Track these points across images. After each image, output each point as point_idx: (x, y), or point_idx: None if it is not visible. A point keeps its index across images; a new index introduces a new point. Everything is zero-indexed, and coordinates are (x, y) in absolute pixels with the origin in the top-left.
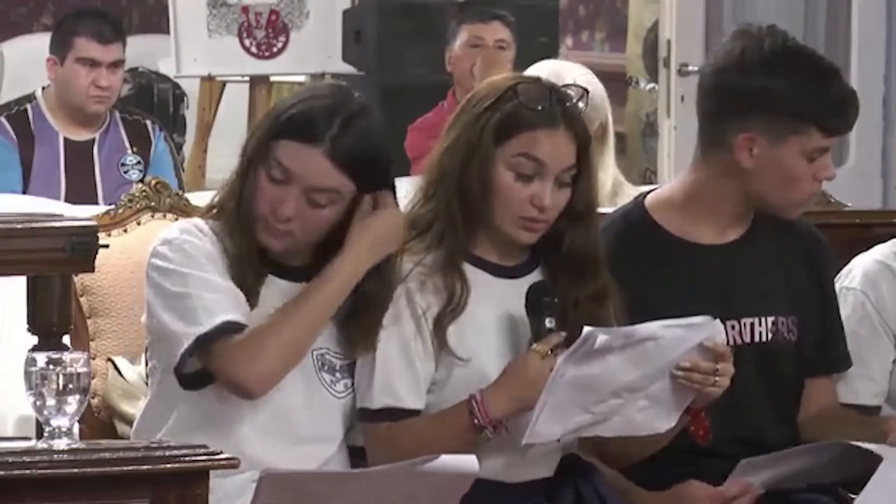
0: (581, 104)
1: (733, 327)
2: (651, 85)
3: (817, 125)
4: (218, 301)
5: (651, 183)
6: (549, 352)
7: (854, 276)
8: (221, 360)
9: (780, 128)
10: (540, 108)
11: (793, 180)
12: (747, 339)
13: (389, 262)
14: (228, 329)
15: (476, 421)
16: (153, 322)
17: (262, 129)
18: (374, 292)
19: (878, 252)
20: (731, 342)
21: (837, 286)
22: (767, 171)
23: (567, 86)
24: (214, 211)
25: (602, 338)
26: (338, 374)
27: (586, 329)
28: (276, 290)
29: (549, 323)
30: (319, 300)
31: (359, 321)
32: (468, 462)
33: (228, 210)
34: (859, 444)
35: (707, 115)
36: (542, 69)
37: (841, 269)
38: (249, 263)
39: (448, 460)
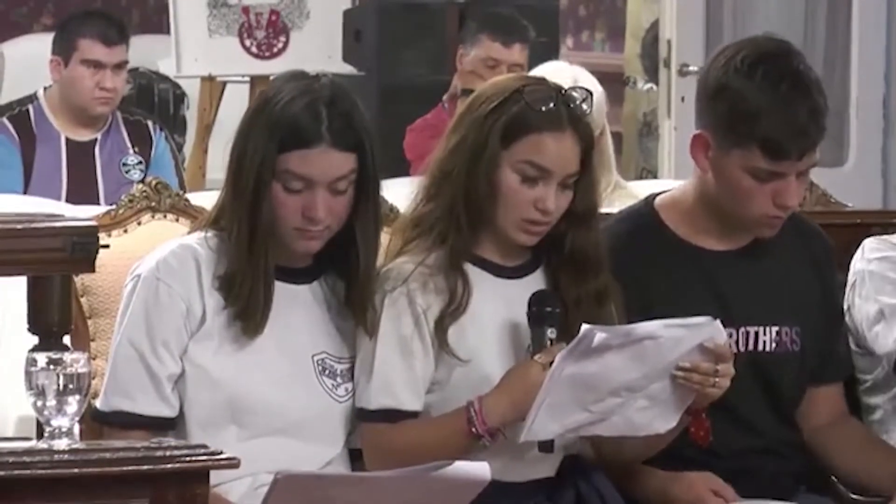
0: (585, 106)
1: (731, 335)
2: (649, 85)
3: (760, 146)
4: (131, 382)
5: None
6: (550, 363)
7: (863, 254)
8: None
9: (726, 137)
10: (546, 109)
11: (743, 195)
12: (742, 347)
13: (369, 230)
14: (116, 419)
15: (473, 429)
16: None
17: (256, 151)
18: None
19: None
20: None
21: (852, 272)
22: (719, 178)
23: (572, 88)
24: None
25: (600, 335)
26: (338, 379)
27: (585, 327)
28: (282, 295)
29: (550, 333)
30: None
31: (353, 296)
32: (480, 469)
33: (239, 236)
34: None
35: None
36: (546, 70)
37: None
38: (265, 284)
39: (461, 467)
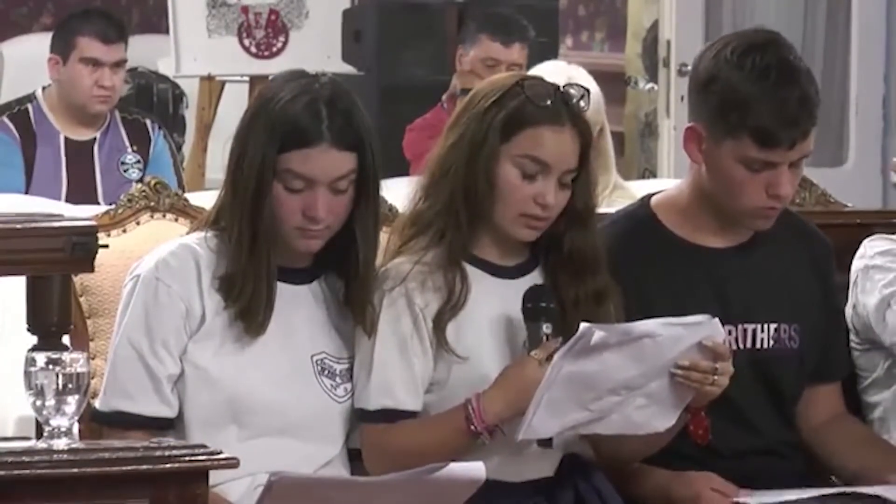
0: (583, 103)
1: (730, 332)
2: (650, 85)
3: (751, 135)
4: (130, 382)
5: None
6: (547, 358)
7: (865, 251)
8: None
9: (718, 128)
10: (545, 104)
11: (736, 186)
12: (742, 344)
13: (369, 230)
14: (116, 419)
15: (472, 427)
16: None
17: (256, 151)
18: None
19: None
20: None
21: (853, 270)
22: (713, 170)
23: (569, 85)
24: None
25: (598, 334)
26: (338, 379)
27: (583, 325)
28: (282, 296)
29: (546, 329)
30: None
31: (352, 295)
32: (476, 469)
33: (240, 236)
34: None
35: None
36: (543, 69)
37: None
38: (267, 284)
39: (457, 468)
